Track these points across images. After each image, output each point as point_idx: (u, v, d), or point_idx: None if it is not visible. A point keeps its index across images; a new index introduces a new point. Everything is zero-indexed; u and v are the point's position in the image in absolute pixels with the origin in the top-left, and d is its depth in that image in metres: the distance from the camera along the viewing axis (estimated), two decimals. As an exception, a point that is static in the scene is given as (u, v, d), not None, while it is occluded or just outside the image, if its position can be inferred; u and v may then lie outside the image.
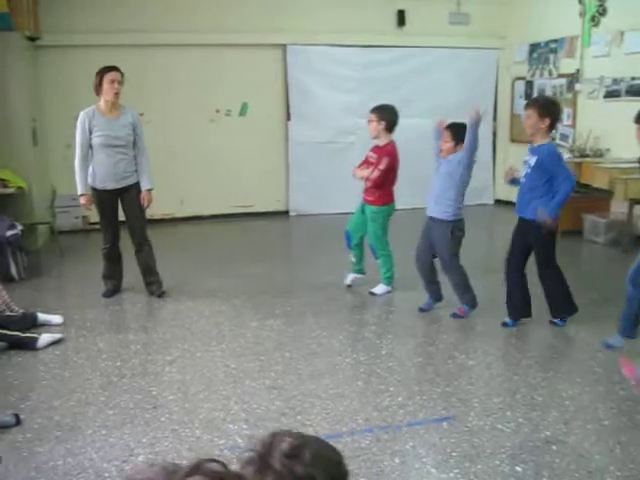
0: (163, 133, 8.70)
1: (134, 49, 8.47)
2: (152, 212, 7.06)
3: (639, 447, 3.40)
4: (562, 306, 5.04)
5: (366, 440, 3.47)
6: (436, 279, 5.43)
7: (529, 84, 9.91)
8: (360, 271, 6.06)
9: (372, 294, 5.85)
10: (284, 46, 9.26)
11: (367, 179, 5.65)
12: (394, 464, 3.24)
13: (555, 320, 5.08)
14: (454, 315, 5.31)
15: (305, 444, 1.19)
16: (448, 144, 5.10)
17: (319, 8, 9.25)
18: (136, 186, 5.64)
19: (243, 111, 9.36)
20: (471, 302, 5.31)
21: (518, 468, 3.21)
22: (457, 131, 5.07)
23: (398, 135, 9.38)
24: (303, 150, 9.23)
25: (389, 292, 5.88)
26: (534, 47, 9.73)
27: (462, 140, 5.02)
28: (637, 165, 5.36)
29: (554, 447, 3.40)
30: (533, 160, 4.74)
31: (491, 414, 3.74)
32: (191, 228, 8.88)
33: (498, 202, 10.36)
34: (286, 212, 9.72)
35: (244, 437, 3.50)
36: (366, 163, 5.80)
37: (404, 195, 9.28)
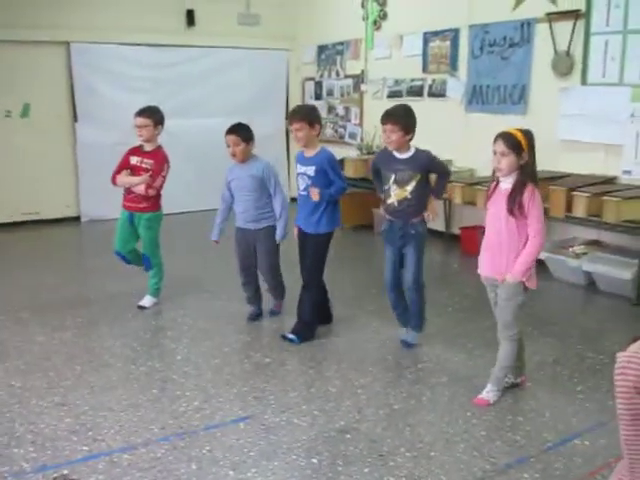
0: None
1: None
2: None
3: (426, 426, 3.60)
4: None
5: (162, 449, 3.37)
6: (259, 286, 5.31)
7: (318, 84, 10.23)
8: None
9: (141, 307, 5.51)
10: (68, 44, 8.79)
11: (150, 187, 5.25)
12: (191, 470, 3.18)
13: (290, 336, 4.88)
14: (272, 312, 5.35)
15: None
16: (239, 147, 4.91)
17: (105, 5, 8.88)
18: None
19: (25, 112, 8.76)
20: (282, 297, 5.38)
21: (314, 460, 3.27)
22: (245, 132, 4.94)
23: (192, 136, 9.35)
24: (93, 152, 8.80)
25: (156, 304, 5.61)
26: (322, 49, 10.05)
27: (251, 139, 4.99)
28: None
29: (348, 435, 3.51)
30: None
31: (287, 409, 3.79)
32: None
33: (294, 200, 10.50)
34: (77, 218, 9.25)
35: (30, 461, 3.27)
36: (132, 169, 5.36)
37: (203, 196, 9.29)
